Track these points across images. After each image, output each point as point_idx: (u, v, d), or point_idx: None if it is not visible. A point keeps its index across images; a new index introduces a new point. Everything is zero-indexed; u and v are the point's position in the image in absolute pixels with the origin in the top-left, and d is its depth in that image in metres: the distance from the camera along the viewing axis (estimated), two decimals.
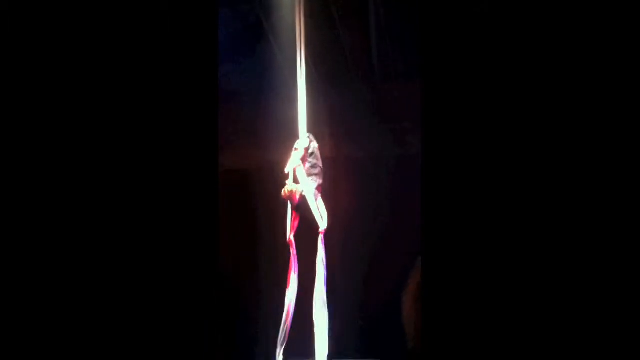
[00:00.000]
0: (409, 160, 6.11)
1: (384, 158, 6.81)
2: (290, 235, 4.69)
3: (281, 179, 5.01)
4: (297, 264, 4.71)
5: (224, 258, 3.27)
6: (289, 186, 4.73)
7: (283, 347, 4.58)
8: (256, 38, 6.35)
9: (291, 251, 4.70)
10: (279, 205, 5.01)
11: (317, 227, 4.79)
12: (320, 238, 4.76)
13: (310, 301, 4.77)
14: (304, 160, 4.83)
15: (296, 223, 4.75)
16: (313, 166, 4.86)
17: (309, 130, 4.97)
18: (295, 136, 4.99)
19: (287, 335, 4.56)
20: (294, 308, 4.60)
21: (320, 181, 4.84)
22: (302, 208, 4.75)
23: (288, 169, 4.79)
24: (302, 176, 4.74)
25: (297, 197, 4.70)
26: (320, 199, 4.80)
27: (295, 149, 4.80)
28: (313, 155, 4.88)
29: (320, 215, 4.76)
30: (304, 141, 4.83)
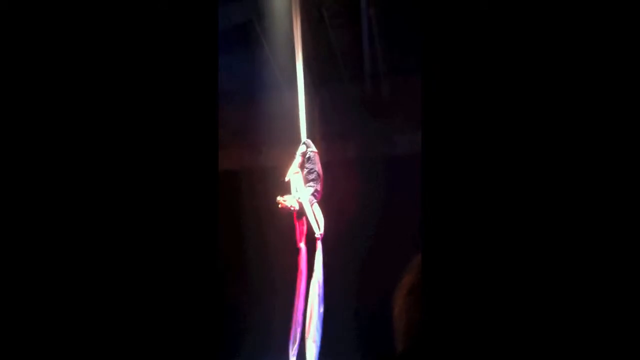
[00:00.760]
0: (402, 160, 6.31)
1: (377, 158, 6.89)
2: (300, 243, 4.69)
3: (276, 180, 5.01)
4: (306, 271, 4.71)
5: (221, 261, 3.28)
6: (281, 198, 4.77)
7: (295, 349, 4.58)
8: (248, 39, 6.31)
9: (300, 258, 4.69)
10: (275, 207, 5.03)
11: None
12: (318, 244, 4.76)
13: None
14: (302, 166, 4.83)
15: (303, 229, 4.75)
16: (310, 171, 4.89)
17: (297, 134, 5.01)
18: (292, 138, 4.99)
19: (298, 339, 4.56)
20: (302, 311, 4.60)
21: (317, 187, 4.84)
22: (304, 214, 4.75)
23: (287, 177, 4.79)
24: (297, 184, 4.76)
25: (293, 207, 4.70)
26: (316, 205, 4.83)
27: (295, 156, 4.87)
28: (310, 161, 4.88)
29: (317, 221, 4.76)
30: (301, 147, 4.87)
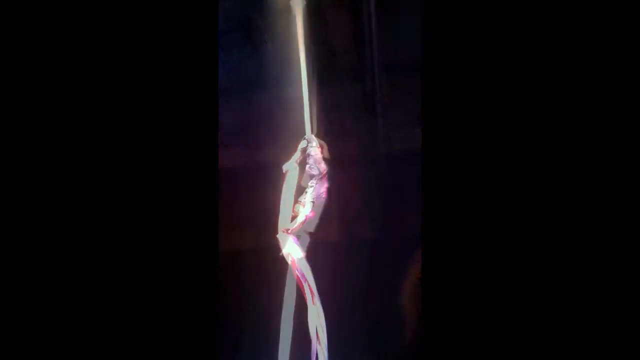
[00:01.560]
0: (401, 158, 6.24)
1: (377, 156, 6.82)
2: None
3: (277, 178, 4.97)
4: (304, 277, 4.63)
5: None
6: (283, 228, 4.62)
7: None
8: (251, 37, 6.47)
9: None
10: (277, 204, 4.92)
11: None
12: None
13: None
14: (302, 163, 4.73)
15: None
16: (310, 167, 4.76)
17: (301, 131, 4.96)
18: (295, 135, 4.95)
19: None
20: None
21: (320, 187, 4.72)
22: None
23: (285, 168, 4.68)
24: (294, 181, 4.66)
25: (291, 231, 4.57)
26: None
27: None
28: (310, 157, 4.78)
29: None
30: (302, 142, 4.78)
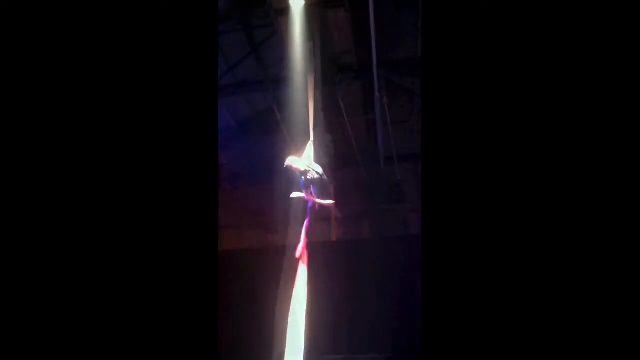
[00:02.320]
0: (410, 240, 6.50)
1: (392, 238, 7.15)
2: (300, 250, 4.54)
3: (288, 258, 5.09)
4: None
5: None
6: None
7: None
8: (268, 125, 6.91)
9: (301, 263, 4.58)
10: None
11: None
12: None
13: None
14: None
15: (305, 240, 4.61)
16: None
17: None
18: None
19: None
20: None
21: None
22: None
23: (286, 163, 4.56)
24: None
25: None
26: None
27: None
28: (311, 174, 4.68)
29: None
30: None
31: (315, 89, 4.98)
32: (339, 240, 7.60)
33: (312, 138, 4.79)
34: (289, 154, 4.59)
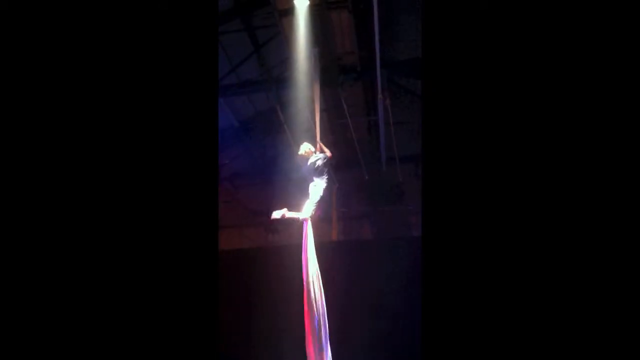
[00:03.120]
0: (411, 242, 6.53)
1: (387, 240, 7.22)
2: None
3: (291, 257, 5.06)
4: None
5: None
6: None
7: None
8: (270, 125, 6.94)
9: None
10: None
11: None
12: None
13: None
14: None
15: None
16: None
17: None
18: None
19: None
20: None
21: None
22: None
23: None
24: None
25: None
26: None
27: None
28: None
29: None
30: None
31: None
32: (340, 240, 7.61)
33: (318, 138, 4.94)
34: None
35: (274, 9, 5.58)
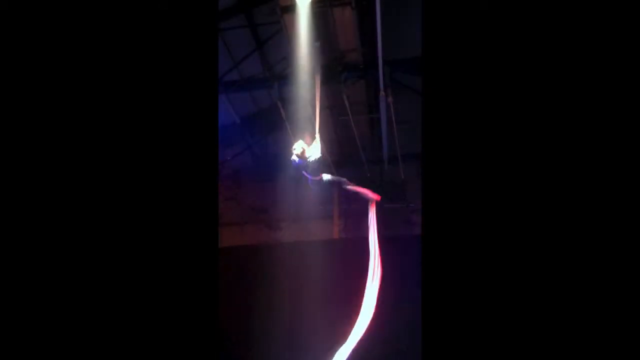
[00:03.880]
0: (413, 240, 6.37)
1: (394, 237, 7.06)
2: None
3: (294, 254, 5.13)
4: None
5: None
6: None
7: None
8: (272, 122, 6.90)
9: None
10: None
11: None
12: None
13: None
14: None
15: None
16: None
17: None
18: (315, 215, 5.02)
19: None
20: None
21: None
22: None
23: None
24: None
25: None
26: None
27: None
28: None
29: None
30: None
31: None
32: (341, 238, 7.60)
33: (317, 136, 4.89)
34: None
35: (276, 5, 5.57)
